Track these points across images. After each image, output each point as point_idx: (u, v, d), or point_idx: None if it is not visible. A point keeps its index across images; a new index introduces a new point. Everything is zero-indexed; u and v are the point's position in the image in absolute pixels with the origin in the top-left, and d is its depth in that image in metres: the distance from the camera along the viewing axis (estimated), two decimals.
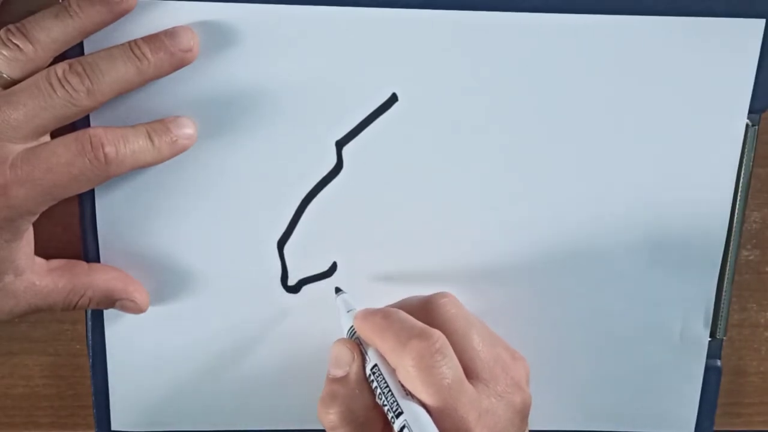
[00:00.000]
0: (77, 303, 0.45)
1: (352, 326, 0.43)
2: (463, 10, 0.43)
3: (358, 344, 0.43)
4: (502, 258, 0.47)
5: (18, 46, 0.40)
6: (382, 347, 0.41)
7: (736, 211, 0.47)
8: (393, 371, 0.40)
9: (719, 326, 0.49)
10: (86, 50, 0.42)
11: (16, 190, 0.40)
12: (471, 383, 0.41)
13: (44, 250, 0.44)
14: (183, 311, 0.47)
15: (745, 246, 0.49)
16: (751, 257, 0.50)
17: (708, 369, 0.50)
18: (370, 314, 0.42)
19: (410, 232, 0.46)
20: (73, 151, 0.40)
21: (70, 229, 0.46)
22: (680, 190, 0.46)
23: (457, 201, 0.46)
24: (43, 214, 0.42)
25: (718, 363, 0.50)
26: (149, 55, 0.41)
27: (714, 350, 0.50)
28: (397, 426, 0.39)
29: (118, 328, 0.47)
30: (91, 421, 0.50)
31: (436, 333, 0.40)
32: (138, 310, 0.46)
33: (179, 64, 0.42)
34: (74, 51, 0.41)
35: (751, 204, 0.48)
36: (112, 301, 0.45)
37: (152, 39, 0.41)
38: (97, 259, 0.46)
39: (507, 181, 0.46)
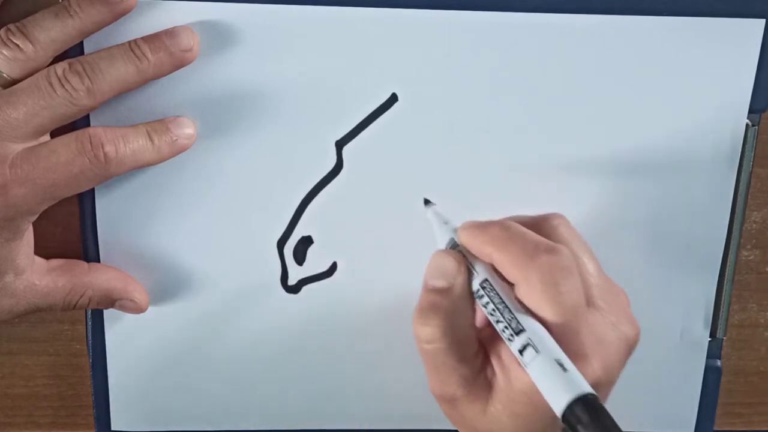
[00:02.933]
0: (77, 303, 0.45)
1: (452, 238, 0.40)
2: (463, 10, 0.43)
3: (463, 256, 0.40)
4: None
5: (18, 45, 0.40)
6: (501, 260, 0.38)
7: (736, 211, 0.47)
8: (507, 287, 0.38)
9: (719, 326, 0.49)
10: (86, 50, 0.42)
11: (16, 189, 0.40)
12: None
13: (44, 250, 0.44)
14: (183, 311, 0.47)
15: (745, 246, 0.49)
16: (751, 257, 0.50)
17: (708, 369, 0.50)
18: (484, 225, 0.39)
19: (410, 232, 0.46)
20: (73, 151, 0.40)
21: (70, 229, 0.46)
22: (680, 189, 0.46)
23: (457, 201, 0.46)
24: (43, 214, 0.42)
25: (718, 363, 0.50)
26: (149, 55, 0.41)
27: (714, 350, 0.50)
28: (517, 344, 0.36)
29: (118, 328, 0.47)
30: (91, 421, 0.50)
31: (565, 249, 0.37)
32: (138, 310, 0.46)
33: (179, 64, 0.42)
34: (74, 51, 0.41)
35: (751, 204, 0.48)
36: (111, 301, 0.45)
37: (152, 39, 0.41)
38: (97, 259, 0.46)
39: (507, 181, 0.46)
